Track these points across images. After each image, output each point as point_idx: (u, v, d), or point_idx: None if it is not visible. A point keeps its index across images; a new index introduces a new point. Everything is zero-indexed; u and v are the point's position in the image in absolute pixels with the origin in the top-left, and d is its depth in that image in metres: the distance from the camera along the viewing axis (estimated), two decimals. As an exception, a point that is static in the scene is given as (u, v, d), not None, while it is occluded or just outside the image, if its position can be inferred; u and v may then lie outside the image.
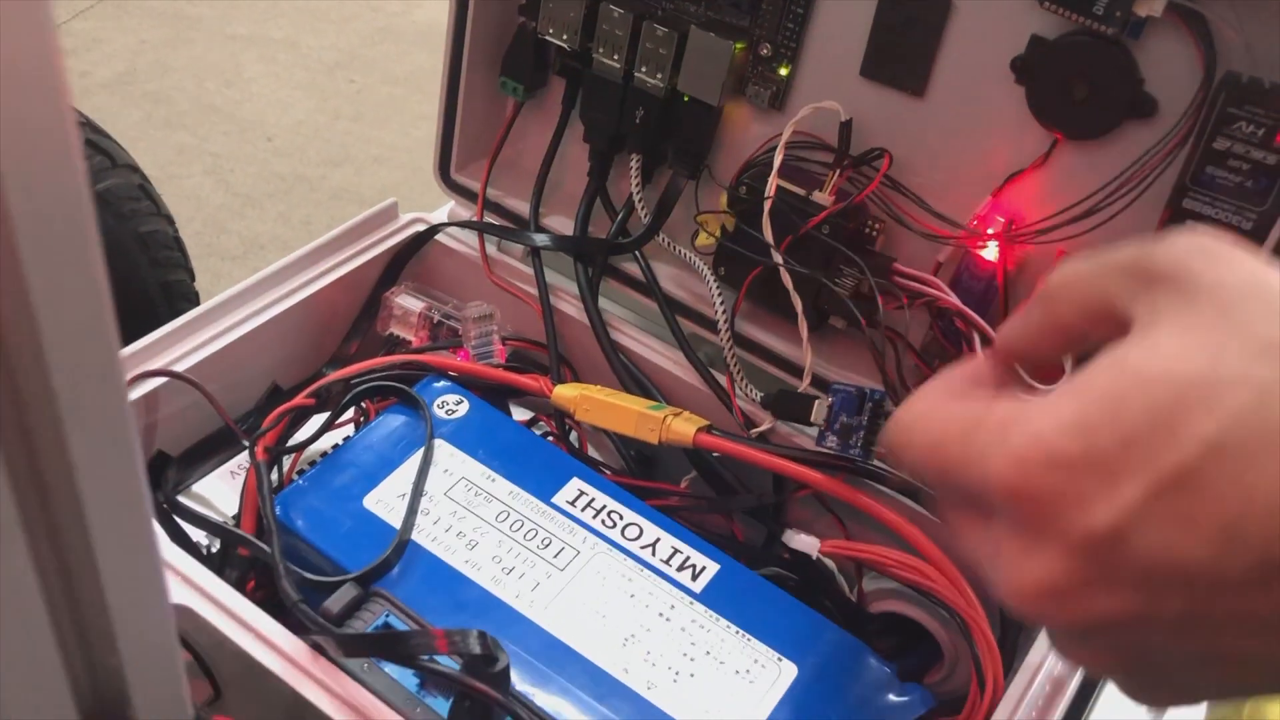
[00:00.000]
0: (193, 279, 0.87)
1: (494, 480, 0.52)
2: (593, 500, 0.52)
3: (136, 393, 0.54)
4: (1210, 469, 0.25)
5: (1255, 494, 0.24)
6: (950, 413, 0.30)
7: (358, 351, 0.64)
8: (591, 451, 0.60)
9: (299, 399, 0.53)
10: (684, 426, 0.53)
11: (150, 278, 0.81)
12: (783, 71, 0.55)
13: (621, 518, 0.51)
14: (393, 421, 0.55)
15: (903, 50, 0.51)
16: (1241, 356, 0.25)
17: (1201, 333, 0.26)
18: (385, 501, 0.51)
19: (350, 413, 0.57)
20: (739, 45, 0.55)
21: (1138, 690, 0.30)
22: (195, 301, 0.87)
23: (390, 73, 2.11)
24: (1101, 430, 0.26)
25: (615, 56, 0.58)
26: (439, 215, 0.71)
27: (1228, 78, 0.43)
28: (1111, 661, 0.29)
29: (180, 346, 0.57)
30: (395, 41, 2.22)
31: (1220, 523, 0.25)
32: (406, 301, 0.64)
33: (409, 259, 0.66)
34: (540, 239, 0.63)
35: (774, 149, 0.56)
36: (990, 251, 0.53)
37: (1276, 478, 0.24)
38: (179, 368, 0.56)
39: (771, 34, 0.55)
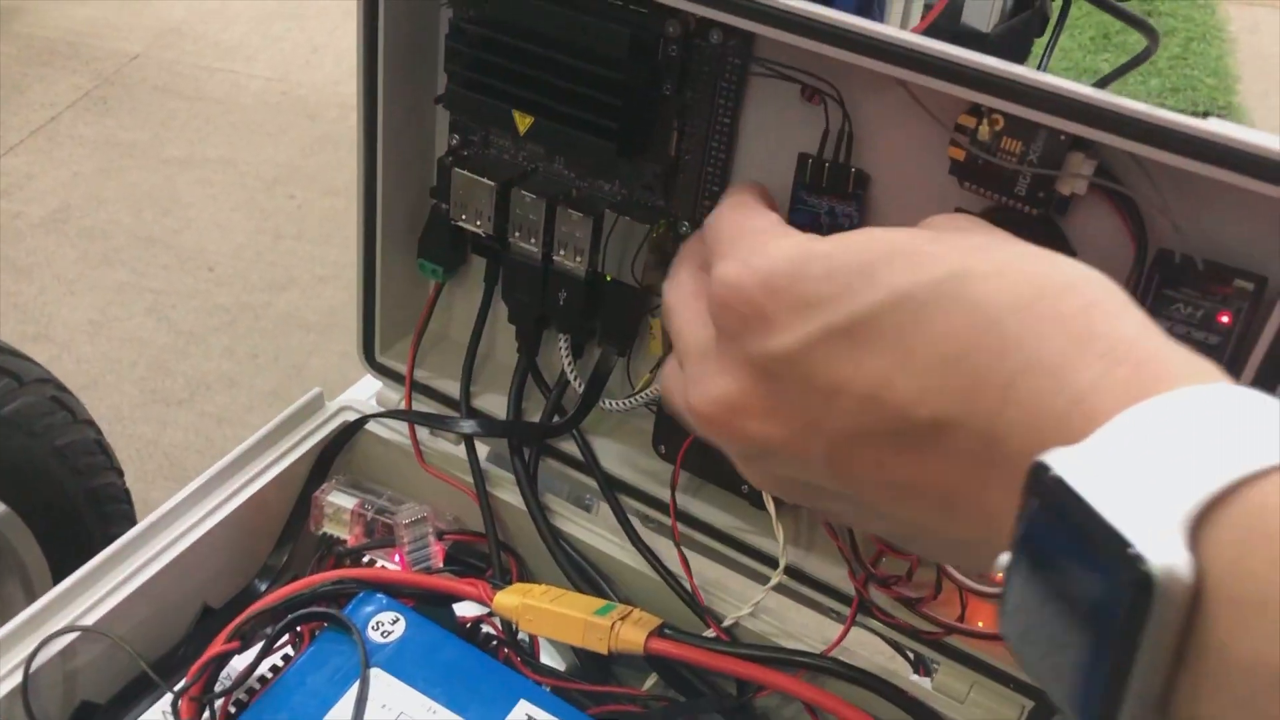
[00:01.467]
0: (121, 477, 0.84)
1: (435, 713, 0.49)
2: (542, 727, 0.49)
3: (50, 651, 0.51)
4: (887, 320, 0.27)
5: (916, 353, 0.27)
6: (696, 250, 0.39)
7: (290, 558, 0.61)
8: (544, 649, 0.57)
9: (220, 644, 0.50)
10: (634, 634, 0.50)
11: (75, 488, 0.78)
12: (705, 248, 0.53)
13: (574, 744, 0.48)
14: (326, 651, 0.52)
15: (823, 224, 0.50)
16: (956, 244, 0.29)
17: (937, 228, 0.32)
18: (321, 750, 0.48)
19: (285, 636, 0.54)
20: (658, 225, 0.53)
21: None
22: (127, 502, 0.84)
23: (330, 184, 2.10)
24: (814, 264, 0.29)
25: (532, 240, 0.56)
26: (367, 389, 0.69)
27: (1160, 257, 0.41)
28: (772, 483, 0.33)
29: (100, 587, 0.54)
30: (334, 150, 2.21)
31: (875, 372, 0.27)
32: (338, 499, 0.61)
33: (338, 452, 0.63)
34: (470, 426, 0.60)
35: (703, 326, 0.54)
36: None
37: (940, 345, 0.26)
38: (98, 612, 0.53)
39: (689, 212, 0.53)
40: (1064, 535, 0.23)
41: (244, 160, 2.15)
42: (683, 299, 0.37)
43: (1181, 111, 0.37)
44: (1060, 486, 0.23)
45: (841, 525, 0.35)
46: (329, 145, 2.21)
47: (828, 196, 0.48)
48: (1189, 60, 2.82)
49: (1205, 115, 0.37)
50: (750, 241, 0.32)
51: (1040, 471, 0.23)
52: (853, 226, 0.48)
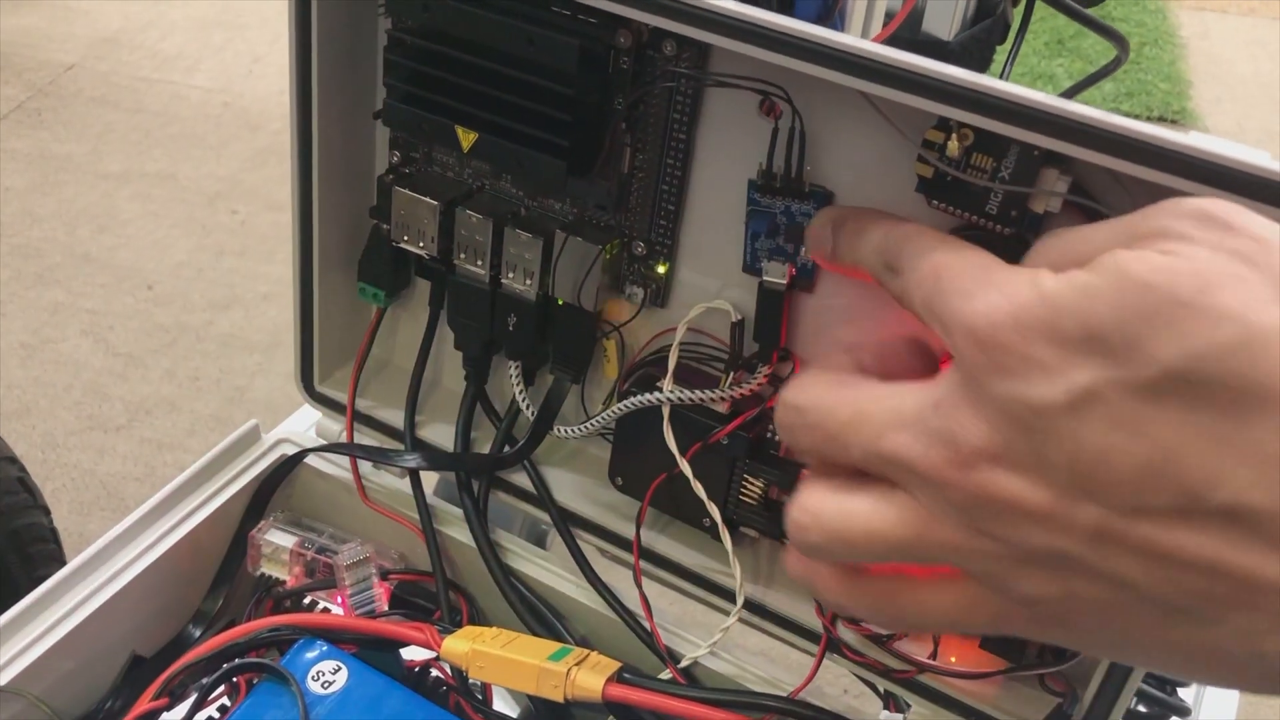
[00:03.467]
0: (48, 515, 0.80)
1: (381, 771, 0.46)
2: (496, 783, 0.46)
3: (-42, 713, 0.47)
4: (1168, 392, 0.24)
5: (1202, 432, 0.23)
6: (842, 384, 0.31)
7: (226, 601, 0.57)
8: (497, 695, 0.54)
9: (147, 701, 0.47)
10: (591, 680, 0.47)
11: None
12: (660, 269, 0.51)
13: (530, 801, 0.45)
14: (263, 703, 0.48)
15: (784, 244, 0.47)
16: (1239, 297, 0.24)
17: (1208, 255, 0.25)
18: (257, 814, 0.44)
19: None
20: (611, 246, 0.50)
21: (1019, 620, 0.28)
22: (54, 542, 0.79)
23: (274, 198, 2.05)
24: (1068, 312, 0.25)
25: (479, 262, 0.53)
26: (307, 420, 0.65)
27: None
28: (1004, 567, 0.27)
29: (18, 639, 0.50)
30: (278, 163, 2.16)
31: (1158, 443, 0.24)
32: (276, 538, 0.58)
33: (275, 488, 0.60)
34: (415, 459, 0.57)
35: (660, 349, 0.52)
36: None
37: (1230, 423, 0.23)
38: (14, 669, 0.49)
39: (644, 232, 0.50)
40: None
41: (184, 174, 2.10)
42: (833, 382, 0.31)
43: (1136, 117, 0.35)
44: None
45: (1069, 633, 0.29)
46: (272, 158, 2.16)
47: (783, 197, 0.45)
48: (1142, 65, 2.85)
49: (1161, 120, 0.35)
50: (989, 276, 0.28)
51: None
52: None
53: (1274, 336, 0.23)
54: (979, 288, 0.27)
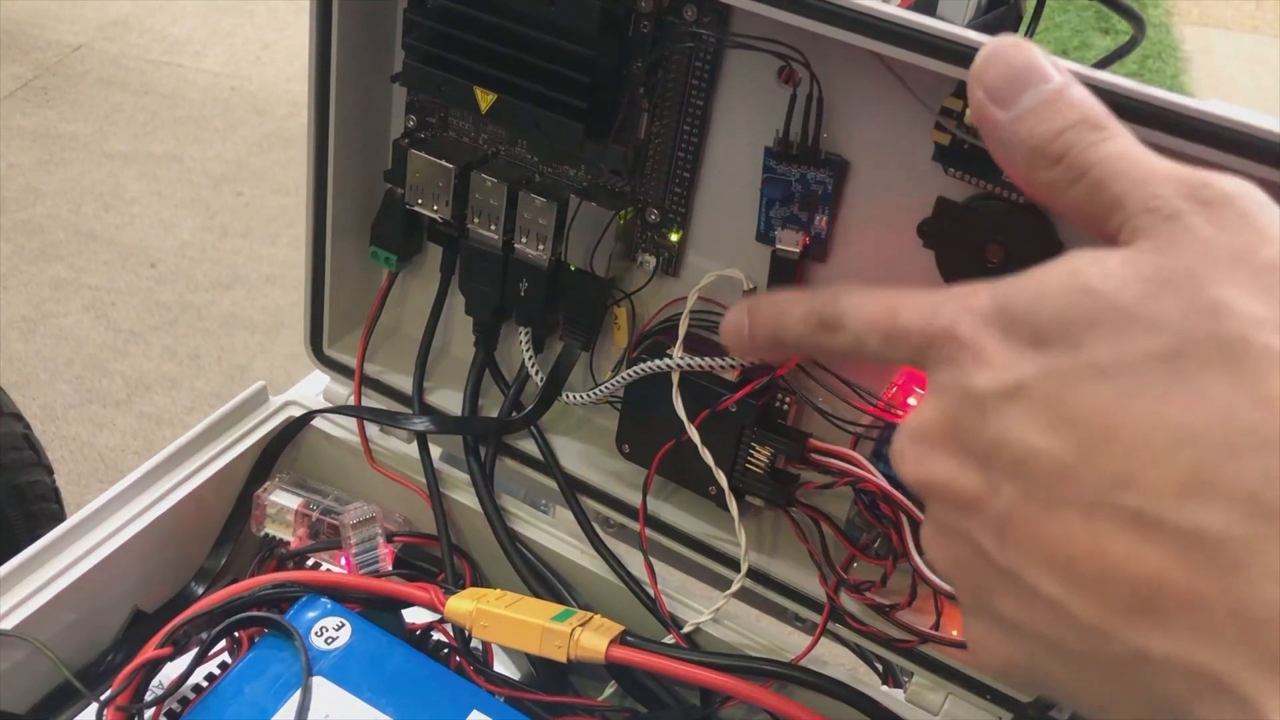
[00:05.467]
0: (51, 475, 0.80)
1: (383, 725, 0.46)
2: (497, 739, 0.46)
3: (-37, 656, 0.47)
4: (1095, 392, 0.24)
5: (1122, 432, 0.23)
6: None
7: (229, 561, 0.57)
8: (498, 657, 0.54)
9: (151, 650, 0.47)
10: (594, 640, 0.47)
11: (-1, 484, 0.73)
12: (673, 237, 0.51)
13: (530, 758, 0.45)
14: (265, 658, 0.48)
15: (799, 213, 0.48)
16: (1177, 304, 0.24)
17: (1161, 262, 0.24)
18: (259, 764, 0.44)
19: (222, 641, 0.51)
20: (625, 212, 0.50)
21: (977, 634, 0.28)
22: (56, 502, 0.79)
23: (280, 182, 2.05)
24: (1021, 311, 0.26)
25: (493, 227, 0.53)
26: (315, 386, 0.65)
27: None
28: (948, 553, 0.28)
29: (22, 588, 0.50)
30: (285, 147, 2.16)
31: (1078, 439, 0.24)
32: (281, 498, 0.58)
33: (282, 449, 0.60)
34: (423, 423, 0.57)
35: (670, 318, 0.52)
36: (912, 420, 0.49)
37: (1151, 425, 0.23)
38: (19, 615, 0.49)
39: (658, 199, 0.50)
40: None
41: (191, 156, 2.10)
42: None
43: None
44: None
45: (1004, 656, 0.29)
46: (279, 143, 2.16)
47: (799, 164, 0.45)
48: (1145, 77, 2.86)
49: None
50: (942, 293, 0.28)
51: None
52: (827, 195, 0.46)
53: (1209, 345, 0.23)
54: (938, 303, 0.28)
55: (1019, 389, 0.25)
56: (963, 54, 0.37)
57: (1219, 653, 0.21)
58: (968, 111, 0.40)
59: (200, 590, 0.57)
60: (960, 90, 0.40)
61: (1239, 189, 0.25)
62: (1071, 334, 0.24)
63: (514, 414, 0.57)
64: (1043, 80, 0.28)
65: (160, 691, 0.48)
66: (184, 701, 0.49)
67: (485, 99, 0.49)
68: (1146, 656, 0.23)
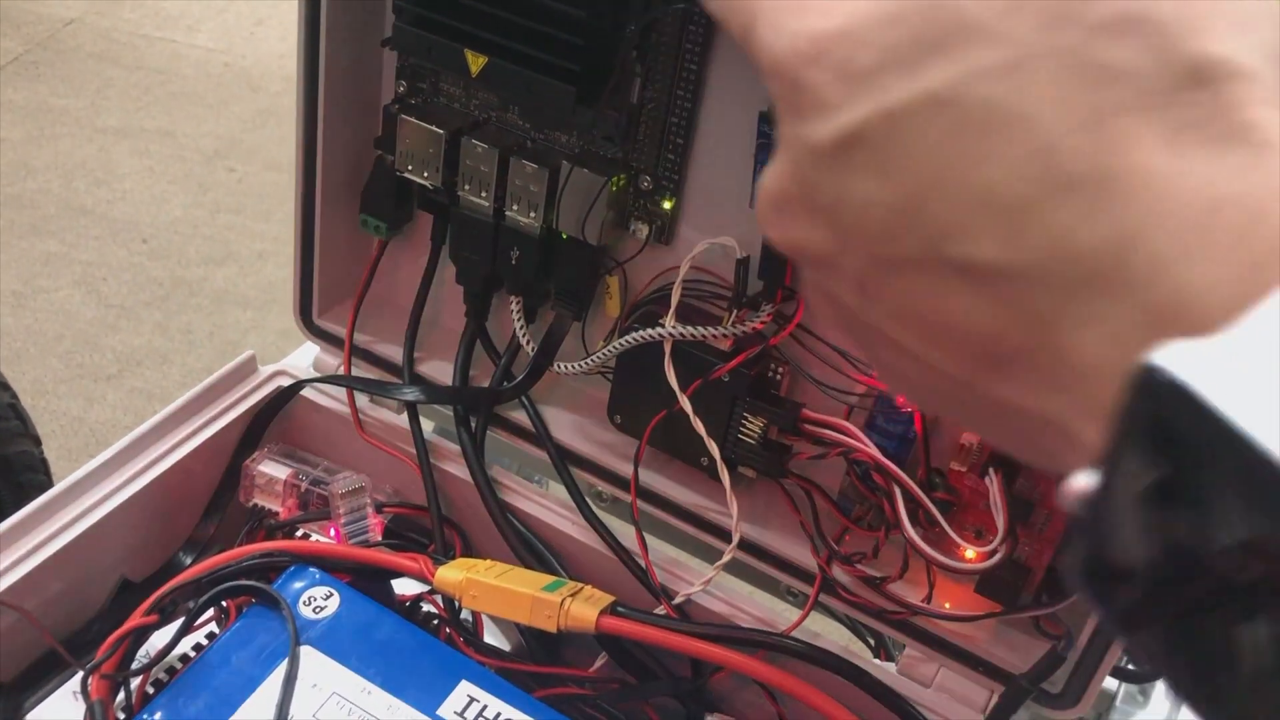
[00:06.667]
0: (38, 446, 0.79)
1: (370, 693, 0.46)
2: (485, 708, 0.46)
3: (-54, 623, 0.47)
4: (924, 125, 0.21)
5: (947, 172, 0.21)
6: None
7: (217, 531, 0.57)
8: (488, 629, 0.54)
9: (138, 618, 0.46)
10: (585, 610, 0.47)
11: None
12: (666, 205, 0.50)
13: (519, 727, 0.45)
14: (253, 627, 0.48)
15: (795, 180, 0.47)
16: (1032, 14, 0.21)
17: None
18: (246, 732, 0.44)
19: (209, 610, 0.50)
20: (617, 179, 0.50)
21: (879, 374, 0.28)
22: (44, 473, 0.79)
23: (272, 158, 2.03)
24: (866, 42, 0.23)
25: (483, 194, 0.52)
26: (305, 359, 0.65)
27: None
28: (824, 310, 0.27)
29: (7, 555, 0.50)
30: (278, 124, 2.15)
31: (905, 186, 0.22)
32: (270, 469, 0.57)
33: (271, 419, 0.59)
34: (413, 393, 0.57)
35: (662, 288, 0.51)
36: (906, 390, 0.48)
37: (973, 160, 0.21)
38: (3, 582, 0.49)
39: (651, 166, 0.50)
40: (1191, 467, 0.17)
41: (183, 132, 2.08)
42: None
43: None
44: (1185, 399, 0.17)
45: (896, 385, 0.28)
46: (272, 119, 2.14)
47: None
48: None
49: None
50: (794, 4, 0.25)
51: (1152, 377, 0.17)
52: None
53: (1043, 59, 0.20)
54: (790, 19, 0.24)
55: (855, 136, 0.22)
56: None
57: (1059, 404, 0.21)
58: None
59: (188, 560, 0.57)
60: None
61: None
62: (912, 58, 0.22)
63: (505, 384, 0.57)
64: None
65: (147, 660, 0.48)
66: (171, 671, 0.49)
67: (476, 62, 0.48)
68: (1006, 405, 0.22)
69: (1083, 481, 0.18)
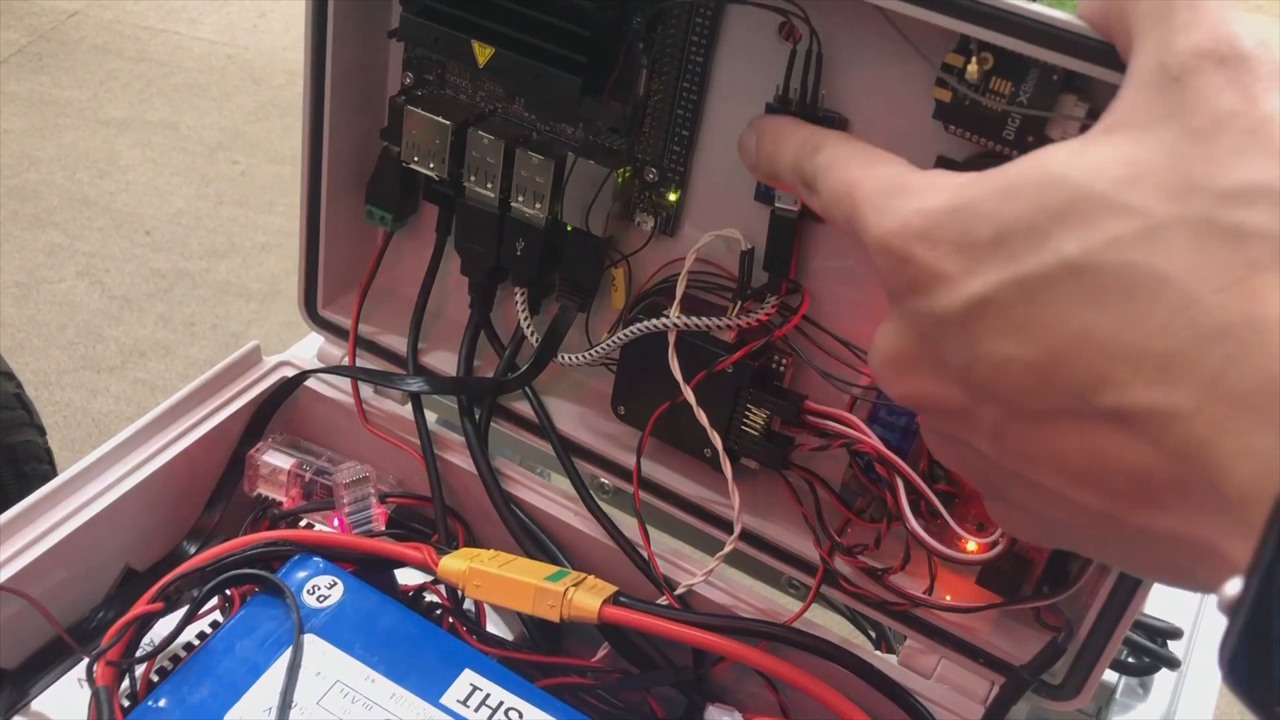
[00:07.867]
0: (43, 435, 0.79)
1: (374, 681, 0.46)
2: (487, 697, 0.46)
3: (-48, 609, 0.47)
4: (1060, 290, 0.23)
5: (1091, 331, 0.23)
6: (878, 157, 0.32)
7: (221, 521, 0.57)
8: (491, 619, 0.54)
9: (143, 605, 0.46)
10: (588, 600, 0.47)
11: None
12: (672, 197, 0.51)
13: (521, 716, 0.45)
14: (257, 615, 0.48)
15: (799, 172, 0.47)
16: (1154, 187, 0.23)
17: (1144, 148, 0.23)
18: (250, 719, 0.44)
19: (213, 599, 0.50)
20: (622, 171, 0.50)
21: (999, 514, 0.29)
22: (48, 463, 0.79)
23: (275, 151, 2.04)
24: (982, 217, 0.25)
25: (489, 185, 0.53)
26: (309, 350, 0.65)
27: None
28: (952, 455, 0.28)
29: (13, 543, 0.50)
30: (280, 116, 2.15)
31: (1047, 346, 0.23)
32: (274, 459, 0.58)
33: (275, 409, 0.60)
34: (417, 383, 0.57)
35: (667, 279, 0.51)
36: (909, 383, 0.48)
37: (1118, 320, 0.22)
38: (9, 570, 0.49)
39: (656, 158, 0.50)
40: None
41: (186, 124, 2.09)
42: None
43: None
44: None
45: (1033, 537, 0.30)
46: (275, 112, 2.14)
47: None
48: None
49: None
50: (903, 186, 0.28)
51: None
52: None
53: (1176, 228, 0.22)
54: (892, 202, 0.27)
55: (984, 303, 0.24)
56: (964, 6, 0.37)
57: (1210, 527, 0.22)
58: (969, 68, 0.40)
59: (193, 549, 0.57)
60: (961, 47, 0.40)
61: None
62: (1037, 230, 0.24)
63: (509, 375, 0.57)
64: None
65: (151, 648, 0.48)
66: (175, 659, 0.49)
67: (483, 53, 0.48)
68: (1152, 533, 0.24)
69: (1235, 588, 0.20)
